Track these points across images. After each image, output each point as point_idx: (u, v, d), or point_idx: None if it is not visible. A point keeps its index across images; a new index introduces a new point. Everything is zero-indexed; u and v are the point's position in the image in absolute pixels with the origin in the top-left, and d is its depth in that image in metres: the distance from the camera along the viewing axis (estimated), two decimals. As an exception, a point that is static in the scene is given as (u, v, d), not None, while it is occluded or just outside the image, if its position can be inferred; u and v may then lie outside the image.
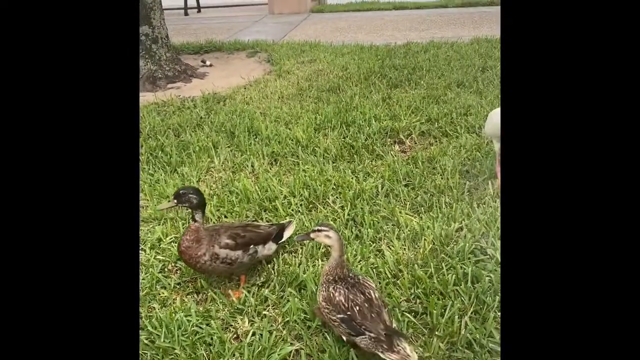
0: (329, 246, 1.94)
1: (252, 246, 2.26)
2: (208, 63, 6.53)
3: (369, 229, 2.62)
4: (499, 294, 2.03)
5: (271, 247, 2.36)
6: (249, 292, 2.22)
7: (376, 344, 1.74)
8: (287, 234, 2.45)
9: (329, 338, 1.93)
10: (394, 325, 1.84)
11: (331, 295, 1.86)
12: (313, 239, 1.95)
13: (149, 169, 3.49)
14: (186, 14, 11.99)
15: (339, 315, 1.82)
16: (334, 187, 3.11)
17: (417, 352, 1.84)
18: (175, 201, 2.18)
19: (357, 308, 1.81)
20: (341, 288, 1.87)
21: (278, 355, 1.87)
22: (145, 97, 5.25)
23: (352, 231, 2.63)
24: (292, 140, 3.83)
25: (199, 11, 12.54)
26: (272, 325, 2.04)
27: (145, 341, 1.97)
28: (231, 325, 2.06)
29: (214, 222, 2.81)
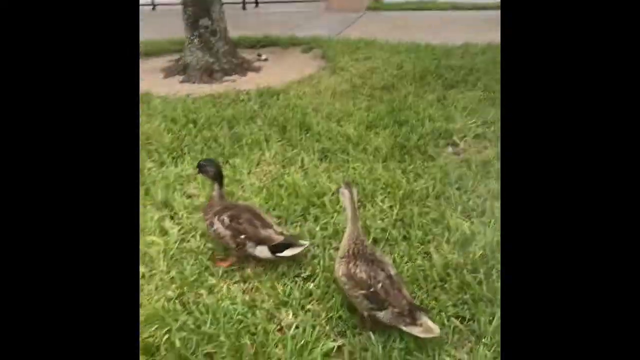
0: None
1: (242, 236, 2.35)
2: (264, 57, 6.61)
3: (417, 231, 2.58)
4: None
5: (262, 250, 2.35)
6: (295, 283, 2.24)
7: (399, 318, 1.86)
8: (288, 252, 2.33)
9: (372, 337, 1.92)
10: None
11: (352, 272, 1.97)
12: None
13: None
14: (244, 8, 12.17)
15: (361, 292, 1.93)
16: (383, 186, 3.08)
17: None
18: (198, 170, 2.53)
19: (380, 285, 1.91)
20: (361, 265, 1.97)
21: (321, 350, 1.88)
22: (202, 89, 5.38)
23: (399, 232, 2.60)
24: (342, 137, 3.83)
25: (256, 5, 12.70)
26: (315, 320, 2.04)
27: (192, 326, 2.01)
28: (275, 317, 2.08)
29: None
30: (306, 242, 2.42)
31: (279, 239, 2.35)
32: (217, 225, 2.40)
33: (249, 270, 2.34)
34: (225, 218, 2.39)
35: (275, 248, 2.34)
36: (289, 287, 2.21)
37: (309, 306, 2.12)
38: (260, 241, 2.35)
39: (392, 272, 1.98)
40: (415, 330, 1.83)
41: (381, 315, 1.90)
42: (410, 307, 1.86)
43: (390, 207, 2.85)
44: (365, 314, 1.95)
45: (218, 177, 2.48)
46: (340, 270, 2.01)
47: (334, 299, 2.10)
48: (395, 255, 2.40)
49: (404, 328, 1.85)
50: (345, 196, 2.03)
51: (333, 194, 2.25)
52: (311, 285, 2.22)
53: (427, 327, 1.82)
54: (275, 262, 2.40)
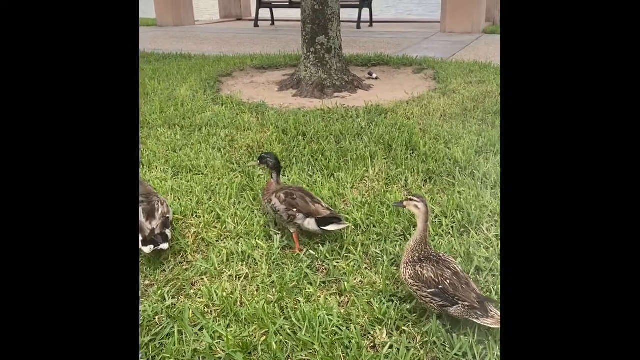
0: (415, 216, 2.20)
1: (294, 209, 2.67)
2: (374, 76, 6.68)
3: (524, 264, 2.45)
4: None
5: (310, 222, 2.65)
6: (391, 302, 2.22)
7: (470, 311, 1.93)
8: (332, 227, 2.63)
9: (468, 368, 1.85)
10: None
11: (419, 273, 2.07)
12: (405, 207, 2.22)
13: (309, 170, 3.68)
14: (358, 27, 12.41)
15: (429, 290, 2.02)
16: (490, 214, 2.97)
17: None
18: (259, 162, 2.95)
19: (448, 282, 2.00)
20: (427, 266, 2.07)
21: (413, 373, 1.84)
22: (313, 103, 5.55)
23: (505, 263, 2.48)
24: (450, 159, 3.75)
25: (370, 25, 12.90)
26: (410, 342, 2.01)
27: (288, 331, 2.07)
28: (369, 334, 2.08)
29: (362, 230, 2.87)
30: (348, 223, 2.75)
31: (326, 212, 2.66)
32: (275, 201, 2.77)
33: (346, 284, 2.36)
34: (282, 194, 2.76)
35: (322, 222, 2.63)
36: (385, 305, 2.20)
37: (404, 328, 2.09)
38: (309, 214, 2.66)
39: (459, 269, 2.07)
40: (489, 322, 1.88)
41: (452, 310, 1.98)
42: (480, 299, 1.93)
43: (496, 236, 2.74)
44: (436, 311, 2.04)
45: (277, 167, 2.91)
46: (406, 274, 2.12)
47: (431, 324, 2.05)
48: (499, 287, 2.30)
49: (477, 321, 1.90)
50: (420, 210, 2.15)
51: (393, 205, 2.41)
52: (407, 306, 2.19)
53: (499, 318, 1.87)
54: (373, 279, 2.41)
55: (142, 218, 2.59)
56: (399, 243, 2.72)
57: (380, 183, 3.47)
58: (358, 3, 11.87)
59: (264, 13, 13.66)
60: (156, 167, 3.83)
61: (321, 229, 2.65)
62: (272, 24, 13.94)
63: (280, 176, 3.00)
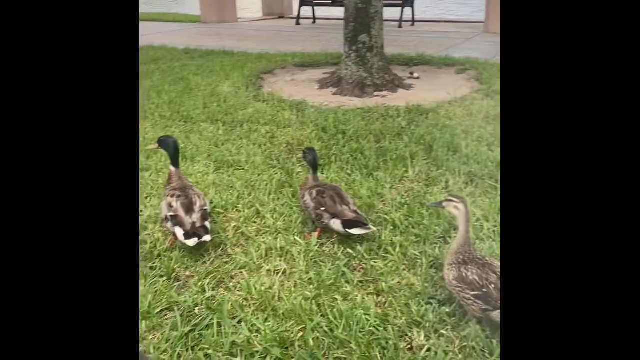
0: (455, 218, 2.17)
1: (322, 209, 2.73)
2: (415, 75, 6.61)
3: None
4: None
5: (335, 222, 2.69)
6: (430, 305, 2.19)
7: None
8: (354, 231, 2.62)
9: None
10: None
11: (463, 275, 2.04)
12: (444, 208, 2.19)
13: (348, 169, 3.67)
14: (400, 26, 12.30)
15: (472, 293, 2.00)
16: (534, 219, 2.89)
17: None
18: (302, 156, 3.10)
19: (492, 286, 1.98)
20: (473, 268, 2.05)
21: (451, 377, 1.82)
22: (353, 102, 5.54)
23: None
24: (492, 162, 3.67)
25: (412, 24, 12.76)
26: (448, 346, 1.98)
27: (325, 329, 2.08)
28: (407, 335, 2.06)
29: (400, 231, 2.84)
30: (374, 228, 2.70)
31: (351, 215, 2.67)
32: (307, 197, 2.84)
33: (384, 284, 2.35)
34: (314, 192, 2.82)
35: (347, 224, 2.64)
36: (423, 307, 2.18)
37: (442, 331, 2.06)
38: (335, 215, 2.69)
39: None
40: None
41: (494, 315, 1.95)
42: None
43: (540, 242, 2.66)
44: (477, 315, 2.02)
45: (314, 164, 2.97)
46: (450, 275, 2.10)
47: (470, 328, 2.02)
48: (542, 294, 2.24)
49: None
50: (461, 211, 2.12)
51: (430, 205, 2.50)
52: (447, 310, 2.16)
53: None
54: (412, 280, 2.38)
55: (181, 212, 2.64)
56: (438, 245, 2.68)
57: (420, 184, 3.44)
58: (401, 2, 11.75)
59: (306, 11, 13.70)
60: (199, 161, 3.90)
61: (346, 231, 2.64)
62: (314, 22, 13.98)
63: (318, 174, 3.02)
